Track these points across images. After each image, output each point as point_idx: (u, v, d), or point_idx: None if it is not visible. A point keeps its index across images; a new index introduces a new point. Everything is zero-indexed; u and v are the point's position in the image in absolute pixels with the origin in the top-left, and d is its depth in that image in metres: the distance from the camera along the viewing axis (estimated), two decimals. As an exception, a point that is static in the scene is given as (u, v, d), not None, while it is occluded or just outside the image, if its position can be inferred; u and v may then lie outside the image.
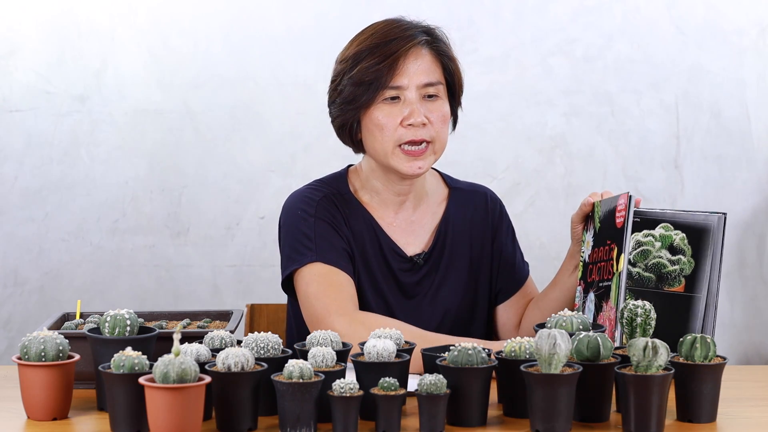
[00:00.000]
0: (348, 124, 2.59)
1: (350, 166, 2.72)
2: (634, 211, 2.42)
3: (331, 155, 3.95)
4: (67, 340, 2.13)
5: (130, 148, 4.02)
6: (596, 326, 2.24)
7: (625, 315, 2.19)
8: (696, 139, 4.11)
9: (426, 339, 2.39)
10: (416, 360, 2.23)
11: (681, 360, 2.10)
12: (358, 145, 2.63)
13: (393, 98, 2.54)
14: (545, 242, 4.08)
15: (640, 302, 2.21)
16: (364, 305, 2.59)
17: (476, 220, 2.70)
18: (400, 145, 2.54)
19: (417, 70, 2.54)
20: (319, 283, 2.51)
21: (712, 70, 4.09)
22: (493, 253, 2.71)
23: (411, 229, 2.66)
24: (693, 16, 4.08)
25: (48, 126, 4.00)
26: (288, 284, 2.59)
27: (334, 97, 2.60)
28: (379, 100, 2.54)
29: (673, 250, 2.46)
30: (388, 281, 2.62)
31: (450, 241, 2.67)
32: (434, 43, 2.58)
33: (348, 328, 2.41)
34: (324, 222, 2.57)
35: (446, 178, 2.76)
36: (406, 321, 2.57)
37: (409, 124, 2.53)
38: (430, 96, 2.56)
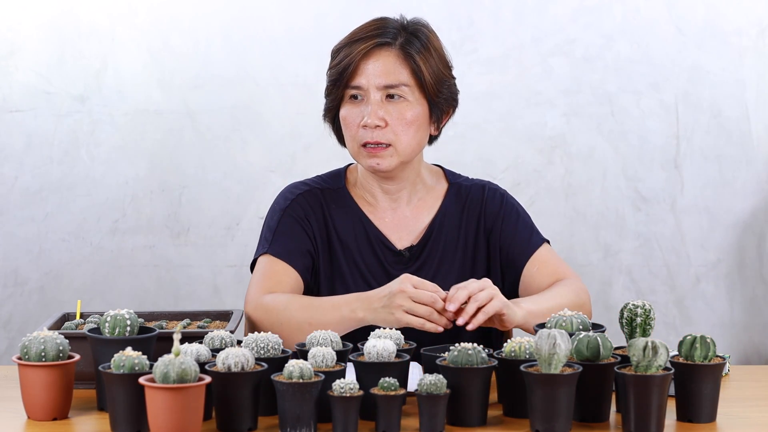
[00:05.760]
0: (330, 114, 2.66)
1: (351, 164, 2.76)
2: None
3: (331, 155, 3.93)
4: (67, 340, 2.13)
5: (130, 148, 4.02)
6: (596, 326, 2.24)
7: (625, 315, 2.19)
8: (696, 139, 4.11)
9: (315, 305, 2.47)
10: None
11: (681, 360, 2.10)
12: (341, 138, 2.69)
13: (355, 97, 2.59)
14: (545, 242, 4.08)
15: (639, 302, 2.21)
16: None
17: (471, 214, 2.69)
18: (364, 145, 2.58)
19: (376, 71, 2.57)
20: (258, 272, 2.61)
21: (712, 70, 4.09)
22: (490, 250, 2.68)
23: (404, 223, 2.68)
24: (693, 16, 4.08)
25: (48, 126, 4.00)
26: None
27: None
28: (346, 98, 2.60)
29: None
30: (377, 275, 2.64)
31: (443, 236, 2.67)
32: (405, 43, 2.58)
33: (253, 313, 2.52)
34: (290, 218, 2.64)
35: (448, 175, 2.76)
36: None
37: (364, 125, 2.56)
38: (392, 97, 2.57)
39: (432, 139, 2.67)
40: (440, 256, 2.66)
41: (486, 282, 2.41)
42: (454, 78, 2.66)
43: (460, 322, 2.36)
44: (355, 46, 2.58)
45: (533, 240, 2.68)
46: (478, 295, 2.37)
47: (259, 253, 2.65)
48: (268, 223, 2.68)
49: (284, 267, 2.60)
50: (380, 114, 2.56)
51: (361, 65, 2.57)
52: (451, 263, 2.66)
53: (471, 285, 2.39)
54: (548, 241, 2.72)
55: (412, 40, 2.59)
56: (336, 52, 2.62)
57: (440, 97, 2.61)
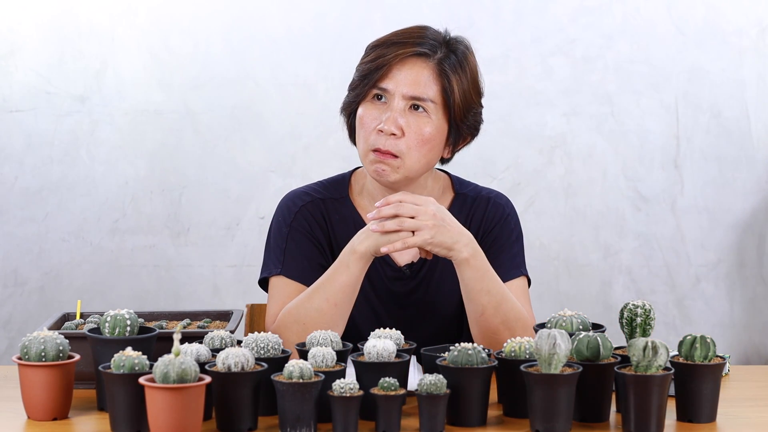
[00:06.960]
0: (348, 109, 2.56)
1: (357, 168, 2.66)
2: None
3: (331, 155, 3.96)
4: (67, 340, 2.13)
5: (130, 148, 4.02)
6: (596, 326, 2.24)
7: (625, 315, 2.19)
8: (696, 139, 4.11)
9: (319, 283, 2.43)
10: None
11: (681, 360, 2.10)
12: (352, 135, 2.58)
13: (379, 98, 2.50)
14: (545, 242, 4.08)
15: (639, 302, 2.21)
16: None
17: (472, 228, 2.57)
18: (374, 150, 2.48)
19: (407, 79, 2.48)
20: (274, 297, 2.54)
21: (712, 70, 4.09)
22: None
23: None
24: (693, 17, 4.08)
25: (48, 126, 4.00)
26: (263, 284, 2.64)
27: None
28: (368, 97, 2.50)
29: None
30: (377, 290, 2.57)
31: None
32: (443, 59, 2.50)
33: (279, 333, 2.40)
34: (298, 233, 2.57)
35: (455, 184, 2.66)
36: (400, 331, 2.52)
37: (380, 130, 2.46)
38: (416, 108, 2.48)
39: (444, 161, 2.59)
40: (440, 272, 2.57)
41: (427, 212, 2.36)
42: (482, 106, 2.58)
43: (371, 216, 2.37)
44: (392, 48, 2.49)
45: (512, 270, 2.58)
46: (406, 221, 2.35)
47: (271, 273, 2.56)
48: (275, 239, 2.58)
49: (299, 287, 2.52)
50: (399, 123, 2.46)
51: (394, 69, 2.48)
52: (452, 281, 2.51)
53: (410, 207, 2.36)
54: (528, 279, 2.61)
55: (450, 57, 2.52)
56: (371, 49, 2.53)
57: (464, 123, 2.53)
